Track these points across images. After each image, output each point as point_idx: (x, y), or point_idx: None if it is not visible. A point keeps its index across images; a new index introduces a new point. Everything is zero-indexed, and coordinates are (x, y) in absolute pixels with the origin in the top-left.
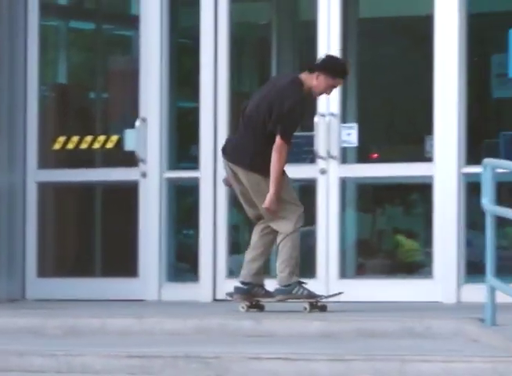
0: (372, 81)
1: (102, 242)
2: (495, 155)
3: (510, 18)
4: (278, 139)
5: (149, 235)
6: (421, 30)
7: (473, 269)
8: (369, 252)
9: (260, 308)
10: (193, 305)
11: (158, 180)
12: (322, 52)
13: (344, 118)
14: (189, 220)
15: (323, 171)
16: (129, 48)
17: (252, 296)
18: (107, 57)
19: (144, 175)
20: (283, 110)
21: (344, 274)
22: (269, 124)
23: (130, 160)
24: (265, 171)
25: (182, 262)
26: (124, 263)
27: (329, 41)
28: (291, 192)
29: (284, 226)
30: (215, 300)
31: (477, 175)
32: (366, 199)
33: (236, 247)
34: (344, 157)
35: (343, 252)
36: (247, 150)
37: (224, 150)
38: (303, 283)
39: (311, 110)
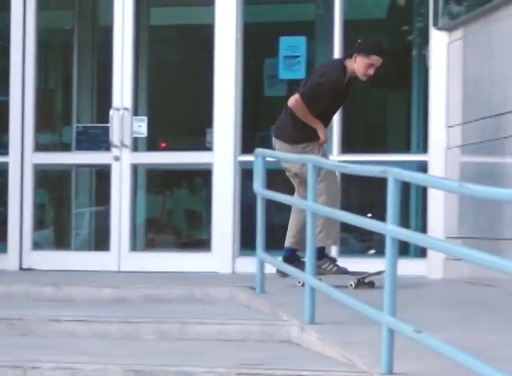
0: (161, 81)
1: None
2: (267, 146)
3: (280, 27)
4: (294, 95)
5: None
6: (204, 36)
7: (248, 243)
8: (159, 229)
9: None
10: (1, 273)
11: None
12: (117, 55)
13: (135, 112)
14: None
15: (117, 158)
16: None
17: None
18: None
19: None
20: (313, 80)
21: (134, 248)
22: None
23: None
24: (290, 139)
25: None
26: None
27: (123, 45)
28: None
29: None
30: (21, 269)
31: (251, 162)
32: (156, 183)
33: (42, 223)
34: (136, 146)
35: (134, 229)
36: (282, 123)
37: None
38: (335, 260)
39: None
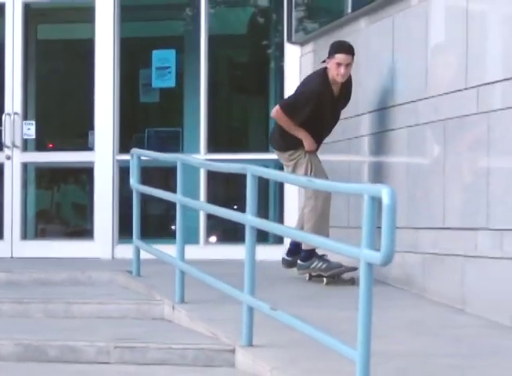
0: (48, 89)
1: None
2: (142, 146)
3: (153, 41)
4: (275, 106)
5: None
6: (86, 49)
7: (126, 232)
8: (48, 220)
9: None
10: None
11: None
12: (8, 66)
13: (25, 116)
14: None
15: (8, 157)
16: None
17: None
18: None
19: None
20: (297, 90)
21: (25, 237)
22: None
23: None
24: (279, 147)
25: None
26: None
27: (13, 57)
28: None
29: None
30: None
31: (128, 161)
32: (45, 179)
33: None
34: (26, 146)
35: (25, 220)
36: (273, 132)
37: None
38: (323, 256)
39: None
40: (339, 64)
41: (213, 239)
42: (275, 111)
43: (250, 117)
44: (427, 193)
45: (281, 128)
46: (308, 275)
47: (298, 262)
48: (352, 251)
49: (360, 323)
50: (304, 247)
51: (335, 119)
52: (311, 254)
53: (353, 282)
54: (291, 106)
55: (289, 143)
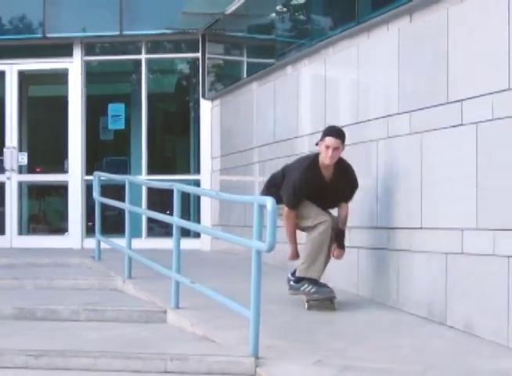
0: (36, 130)
1: None
2: (101, 170)
3: (109, 97)
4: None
5: None
6: (62, 103)
7: (91, 229)
8: (37, 221)
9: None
10: None
11: None
12: (7, 114)
13: (20, 149)
14: None
15: (9, 178)
16: None
17: None
18: None
19: None
20: (288, 179)
21: (21, 232)
22: None
23: None
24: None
25: None
26: None
27: (11, 108)
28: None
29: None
30: None
31: (91, 180)
32: (34, 193)
33: None
34: (21, 170)
35: (21, 221)
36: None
37: None
38: (316, 280)
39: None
40: (327, 147)
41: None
42: (286, 212)
43: (177, 149)
44: None
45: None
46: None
47: (290, 282)
48: (247, 243)
49: (252, 291)
50: (297, 273)
51: (335, 198)
52: (301, 278)
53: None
54: (291, 197)
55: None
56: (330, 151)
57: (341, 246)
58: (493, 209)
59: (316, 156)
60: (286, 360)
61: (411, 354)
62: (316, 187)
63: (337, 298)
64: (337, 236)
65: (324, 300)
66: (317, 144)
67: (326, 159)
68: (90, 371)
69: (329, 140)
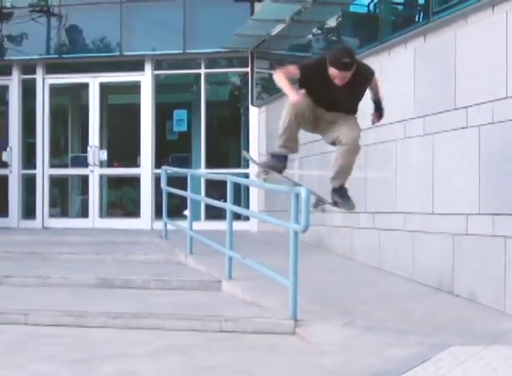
0: (114, 132)
1: None
2: (168, 165)
3: (174, 105)
4: None
5: None
6: (136, 109)
7: (159, 213)
8: (115, 206)
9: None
10: (32, 229)
11: None
12: (91, 119)
13: (101, 147)
14: None
15: (92, 171)
16: None
17: None
18: None
19: None
20: None
21: (101, 215)
22: None
23: None
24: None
25: None
26: None
27: (94, 115)
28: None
29: None
30: (43, 227)
31: (159, 173)
32: (113, 184)
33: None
34: (102, 164)
35: (101, 206)
36: None
37: None
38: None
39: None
40: (334, 77)
41: (186, 212)
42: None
43: (230, 147)
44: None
45: None
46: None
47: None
48: (286, 225)
49: (291, 265)
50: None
51: (348, 98)
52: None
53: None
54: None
55: None
56: (337, 79)
57: (379, 110)
58: (492, 197)
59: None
60: (320, 322)
61: (424, 317)
62: (322, 81)
63: (286, 168)
64: (376, 105)
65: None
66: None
67: (334, 79)
68: (158, 330)
69: (333, 72)
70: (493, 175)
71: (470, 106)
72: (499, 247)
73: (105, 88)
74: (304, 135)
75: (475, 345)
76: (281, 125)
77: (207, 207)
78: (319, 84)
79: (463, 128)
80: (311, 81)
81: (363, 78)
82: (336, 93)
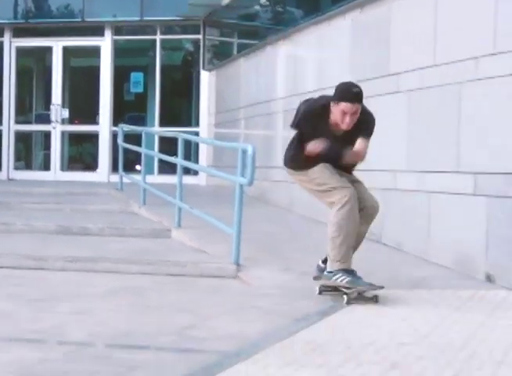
0: (75, 92)
1: None
2: (125, 122)
3: (131, 67)
4: None
5: None
6: (96, 71)
7: (116, 167)
8: (75, 160)
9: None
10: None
11: None
12: (54, 80)
13: (63, 105)
14: None
15: (54, 127)
16: None
17: None
18: None
19: None
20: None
21: (62, 169)
22: None
23: None
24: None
25: None
26: None
27: (57, 76)
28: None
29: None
30: (9, 179)
31: (116, 130)
32: (74, 140)
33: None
34: (63, 122)
35: (63, 160)
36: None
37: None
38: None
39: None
40: (344, 113)
41: (139, 167)
42: None
43: (182, 108)
44: (271, 147)
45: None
46: (317, 288)
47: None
48: (232, 178)
49: (235, 215)
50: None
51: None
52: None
53: (376, 300)
54: (296, 125)
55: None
56: (348, 118)
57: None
58: (418, 156)
59: (327, 101)
60: (260, 267)
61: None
62: (320, 128)
63: (383, 288)
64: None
65: (362, 294)
66: (328, 103)
67: (342, 125)
68: (112, 273)
69: (347, 106)
70: (419, 136)
71: (401, 72)
72: (423, 201)
73: (67, 52)
74: (247, 97)
75: (400, 289)
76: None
77: (160, 162)
78: (320, 134)
79: (395, 92)
80: (312, 131)
81: (365, 125)
82: (336, 143)
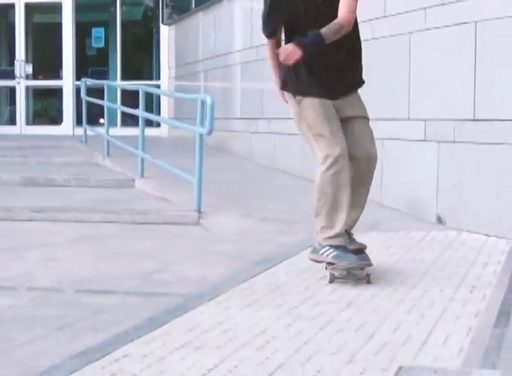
0: (38, 47)
1: None
2: (87, 77)
3: (92, 23)
4: None
5: None
6: (57, 28)
7: (80, 120)
8: (40, 115)
9: None
10: None
11: None
12: (17, 36)
13: (27, 61)
14: None
15: (19, 83)
16: None
17: None
18: None
19: None
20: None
21: (28, 123)
22: None
23: None
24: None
25: None
26: None
27: (20, 32)
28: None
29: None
30: None
31: (80, 84)
32: (38, 95)
33: None
34: (27, 77)
35: (28, 113)
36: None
37: None
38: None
39: None
40: None
41: (102, 120)
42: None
43: (143, 62)
44: (230, 99)
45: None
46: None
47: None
48: (192, 128)
49: (197, 164)
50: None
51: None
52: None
53: (368, 280)
54: (264, 20)
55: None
56: None
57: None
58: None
59: None
60: (221, 214)
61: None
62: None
63: (372, 265)
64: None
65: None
66: None
67: None
68: (78, 222)
69: None
70: (371, 85)
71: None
72: (377, 147)
73: (30, 8)
74: (205, 50)
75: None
76: (324, 201)
77: (123, 115)
78: (298, 9)
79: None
80: (286, 11)
81: None
82: (319, 13)
